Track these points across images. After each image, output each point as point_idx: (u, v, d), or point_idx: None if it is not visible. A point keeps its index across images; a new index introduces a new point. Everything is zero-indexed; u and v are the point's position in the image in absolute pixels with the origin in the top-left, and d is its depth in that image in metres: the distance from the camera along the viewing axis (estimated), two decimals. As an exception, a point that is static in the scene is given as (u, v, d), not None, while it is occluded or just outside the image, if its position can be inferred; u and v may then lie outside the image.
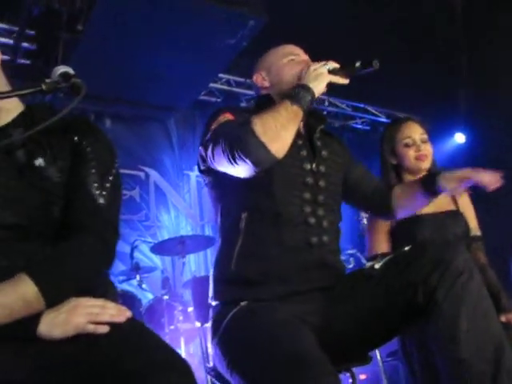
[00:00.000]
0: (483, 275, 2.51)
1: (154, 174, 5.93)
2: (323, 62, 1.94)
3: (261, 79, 2.16)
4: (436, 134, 7.51)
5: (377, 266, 1.82)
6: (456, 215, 2.70)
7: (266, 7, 4.52)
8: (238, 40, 4.63)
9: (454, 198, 2.77)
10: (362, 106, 7.32)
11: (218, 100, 6.30)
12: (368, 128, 7.56)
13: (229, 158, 1.76)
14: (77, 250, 1.46)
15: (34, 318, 1.32)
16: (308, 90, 1.85)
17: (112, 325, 1.34)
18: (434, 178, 2.04)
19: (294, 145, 1.87)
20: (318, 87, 1.88)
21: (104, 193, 1.53)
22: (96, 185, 1.53)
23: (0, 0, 4.60)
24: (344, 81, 1.95)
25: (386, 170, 2.80)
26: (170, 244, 4.55)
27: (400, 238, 2.61)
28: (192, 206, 6.02)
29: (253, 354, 1.65)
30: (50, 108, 1.63)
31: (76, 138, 1.58)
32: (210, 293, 1.96)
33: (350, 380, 2.10)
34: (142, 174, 5.81)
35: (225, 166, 1.84)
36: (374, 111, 7.37)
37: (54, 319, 1.33)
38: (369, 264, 1.91)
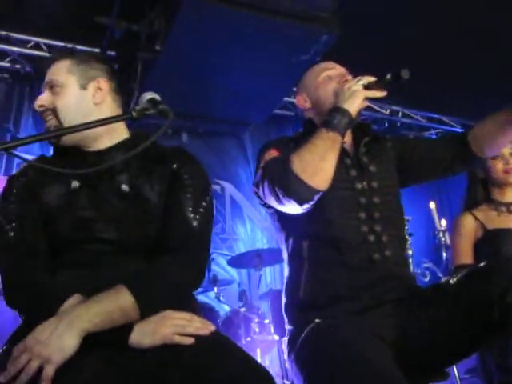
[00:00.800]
0: None
1: (229, 188, 6.03)
2: (357, 78, 1.96)
3: (302, 101, 2.18)
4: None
5: (452, 281, 1.82)
6: None
7: (339, 21, 4.54)
8: (311, 55, 4.66)
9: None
10: (436, 116, 7.21)
11: (292, 113, 6.36)
12: (442, 139, 7.43)
13: (275, 198, 1.84)
14: (171, 266, 1.59)
15: (127, 328, 1.44)
16: (343, 112, 1.87)
17: (197, 337, 1.43)
18: None
19: (342, 166, 1.92)
20: (354, 105, 1.90)
21: (198, 216, 1.67)
22: (191, 209, 1.67)
23: (83, 25, 4.81)
24: (381, 94, 1.94)
25: (473, 184, 2.81)
26: (246, 257, 4.65)
27: (484, 251, 2.60)
28: (267, 219, 6.07)
29: (328, 371, 1.66)
30: (148, 135, 1.72)
31: (175, 166, 1.74)
32: (285, 318, 2.01)
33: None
34: (218, 188, 5.91)
35: (274, 205, 1.90)
36: (448, 121, 7.25)
37: (143, 329, 1.45)
38: (445, 279, 1.91)
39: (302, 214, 1.91)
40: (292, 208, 1.86)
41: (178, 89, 4.90)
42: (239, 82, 5.10)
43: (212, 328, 1.49)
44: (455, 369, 2.94)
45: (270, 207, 2.05)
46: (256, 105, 5.55)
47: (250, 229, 6.03)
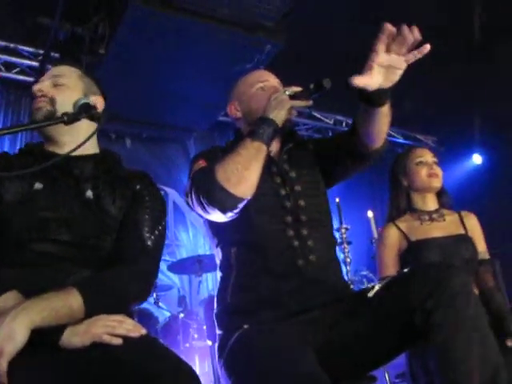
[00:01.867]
0: (491, 299, 2.55)
1: (173, 194, 6.03)
2: (284, 89, 2.01)
3: (234, 110, 2.19)
4: (453, 155, 7.55)
5: (377, 287, 1.85)
6: (464, 239, 2.71)
7: (283, 31, 4.60)
8: (255, 64, 4.71)
9: (463, 221, 2.80)
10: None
11: (237, 121, 6.38)
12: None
13: (201, 208, 1.87)
14: (122, 276, 1.65)
15: (60, 328, 1.45)
16: (269, 122, 1.91)
17: (126, 337, 1.46)
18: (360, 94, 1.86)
19: (268, 173, 1.96)
20: (279, 115, 1.93)
21: (152, 237, 1.75)
22: (147, 229, 1.75)
23: (27, 25, 4.76)
24: (306, 103, 1.99)
25: (397, 193, 2.85)
26: (187, 263, 4.64)
27: (408, 261, 2.63)
28: (208, 226, 6.08)
29: (254, 376, 1.69)
30: (115, 154, 1.95)
31: (138, 187, 1.82)
32: (215, 322, 2.03)
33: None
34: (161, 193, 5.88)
35: (202, 214, 1.94)
36: (391, 133, 7.40)
37: (75, 329, 1.46)
38: (370, 285, 1.95)
39: (230, 222, 1.94)
40: (216, 216, 1.89)
41: (122, 94, 4.88)
42: (184, 89, 5.12)
43: (143, 331, 1.50)
44: (386, 374, 3.00)
45: (201, 215, 2.07)
46: (200, 111, 5.58)
47: (192, 235, 6.03)
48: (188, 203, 2.04)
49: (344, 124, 7.08)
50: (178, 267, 4.73)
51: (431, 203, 2.83)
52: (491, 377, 1.56)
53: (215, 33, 4.38)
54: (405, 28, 1.69)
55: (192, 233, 6.03)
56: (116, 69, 4.69)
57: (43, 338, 1.42)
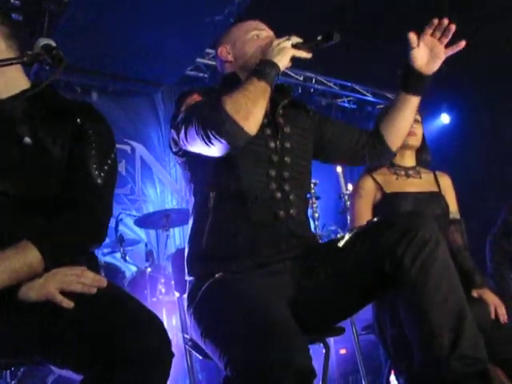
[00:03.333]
0: (459, 255, 2.61)
1: (140, 148, 5.95)
2: (286, 37, 1.96)
3: (225, 52, 2.15)
4: (422, 114, 7.56)
5: (347, 236, 1.86)
6: (437, 196, 2.77)
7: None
8: (225, 16, 4.63)
9: (437, 180, 2.84)
10: (349, 84, 7.33)
11: (205, 75, 6.30)
12: (355, 106, 7.61)
13: (203, 139, 1.79)
14: (75, 222, 1.57)
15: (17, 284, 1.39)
16: (273, 65, 1.87)
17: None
18: (406, 70, 2.10)
19: None
20: (282, 61, 1.90)
21: (102, 174, 1.65)
22: (95, 166, 1.64)
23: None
24: (307, 55, 1.96)
25: None
26: (154, 217, 4.60)
27: (382, 212, 2.65)
28: (177, 181, 6.04)
29: (225, 323, 1.69)
30: (48, 85, 1.67)
31: (79, 120, 1.68)
32: (186, 269, 2.01)
33: (324, 351, 2.16)
34: (128, 148, 5.82)
35: (199, 147, 1.86)
36: (360, 90, 7.40)
37: (32, 283, 1.41)
38: (340, 235, 1.96)
39: (213, 166, 1.92)
40: (218, 150, 1.82)
41: (87, 45, 4.77)
42: (151, 41, 4.99)
43: (103, 283, 1.44)
44: (353, 326, 3.03)
45: (183, 155, 2.03)
46: (168, 65, 5.47)
47: (159, 190, 5.98)
48: (174, 140, 2.00)
49: (313, 81, 7.04)
50: (145, 222, 4.69)
51: (409, 160, 2.85)
52: (458, 317, 1.61)
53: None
54: (445, 21, 1.99)
55: (160, 188, 5.99)
56: (81, 18, 4.54)
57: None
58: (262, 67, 1.87)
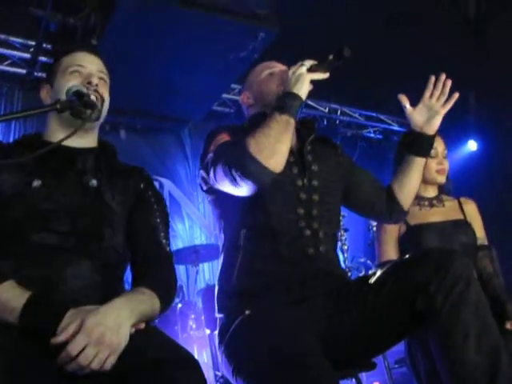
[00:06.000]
0: (489, 284, 2.57)
1: (168, 184, 6.00)
2: (300, 63, 1.97)
3: (246, 98, 2.24)
4: (449, 141, 7.51)
5: (378, 273, 1.86)
6: (463, 224, 2.74)
7: (278, 19, 4.57)
8: (249, 52, 4.68)
9: (462, 207, 2.82)
10: (374, 114, 7.35)
11: (231, 110, 6.37)
12: (380, 137, 7.60)
13: (230, 180, 1.82)
14: (161, 285, 1.69)
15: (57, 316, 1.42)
16: (294, 96, 1.90)
17: None
18: (409, 134, 2.16)
19: (285, 162, 1.89)
20: (303, 89, 1.92)
21: (168, 242, 1.83)
22: (163, 234, 1.80)
23: (18, 16, 4.72)
24: (324, 75, 1.97)
25: None
26: (183, 253, 4.64)
27: (407, 246, 2.64)
28: (206, 216, 6.07)
29: (256, 360, 1.68)
30: (112, 145, 1.95)
31: (142, 186, 1.85)
32: (216, 306, 2.02)
33: (356, 386, 2.15)
34: (156, 184, 5.84)
35: (228, 187, 1.89)
36: (386, 120, 7.40)
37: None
38: (372, 271, 1.95)
39: (243, 203, 1.94)
40: (246, 190, 1.85)
41: (115, 84, 4.82)
42: (178, 78, 5.08)
43: (142, 325, 1.51)
44: (385, 360, 3.00)
45: (212, 193, 2.06)
46: (195, 101, 5.54)
47: (188, 226, 6.01)
48: (204, 179, 2.03)
49: (339, 112, 7.07)
50: (175, 257, 4.67)
51: (432, 190, 2.85)
52: (493, 359, 1.57)
53: (209, 21, 4.33)
54: (442, 79, 2.06)
55: (188, 224, 6.01)
56: (109, 59, 4.61)
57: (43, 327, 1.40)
58: (283, 101, 1.90)
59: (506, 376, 1.57)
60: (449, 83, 2.06)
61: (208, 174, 1.96)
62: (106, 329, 1.35)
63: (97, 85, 1.80)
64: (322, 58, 1.97)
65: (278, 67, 2.21)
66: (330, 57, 1.95)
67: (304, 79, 1.93)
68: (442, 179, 2.80)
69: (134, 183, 1.85)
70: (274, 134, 1.82)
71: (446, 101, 2.09)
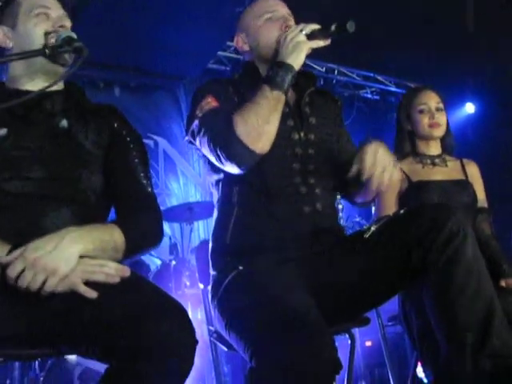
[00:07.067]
0: (487, 246, 2.57)
1: (163, 143, 5.95)
2: (300, 27, 1.84)
3: (241, 42, 2.09)
4: (446, 104, 7.45)
5: (373, 227, 1.84)
6: (464, 184, 2.74)
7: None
8: (245, 8, 4.59)
9: (464, 168, 2.81)
10: (371, 75, 7.29)
11: (227, 68, 6.28)
12: (377, 97, 7.55)
13: (216, 158, 1.79)
14: (141, 225, 1.66)
15: None
16: (287, 68, 1.78)
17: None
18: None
19: (281, 113, 1.82)
20: (298, 59, 1.81)
21: (149, 182, 1.78)
22: (142, 175, 1.75)
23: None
24: (325, 43, 1.85)
25: (402, 137, 2.85)
26: (178, 211, 4.60)
27: (407, 202, 2.63)
28: (201, 174, 6.04)
29: (248, 314, 1.68)
30: (81, 87, 1.88)
31: (116, 125, 1.79)
32: (210, 262, 2.00)
33: (350, 342, 2.15)
34: (151, 143, 5.81)
35: (213, 161, 1.86)
36: (383, 80, 7.34)
37: None
38: (366, 226, 1.94)
39: None
40: (231, 169, 1.81)
41: (108, 41, 4.77)
42: (172, 35, 4.99)
43: (126, 273, 1.45)
44: (379, 317, 3.01)
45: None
46: (190, 58, 5.46)
47: (183, 184, 5.98)
48: (192, 142, 1.97)
49: (336, 72, 7.00)
50: (169, 215, 4.68)
51: (434, 148, 2.83)
52: (487, 315, 1.58)
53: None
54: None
55: (183, 182, 5.98)
56: (102, 14, 4.56)
57: None
58: (275, 73, 1.78)
59: (499, 331, 1.57)
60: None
61: (194, 140, 1.92)
62: (43, 253, 1.35)
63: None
64: (323, 26, 1.83)
65: (279, 11, 2.03)
66: (332, 27, 1.80)
67: (302, 48, 1.81)
68: (437, 133, 2.77)
69: (107, 122, 1.79)
70: (263, 113, 1.75)
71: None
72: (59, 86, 1.78)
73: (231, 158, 1.75)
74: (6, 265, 1.36)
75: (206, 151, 1.86)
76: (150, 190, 1.76)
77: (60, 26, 1.72)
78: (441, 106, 2.78)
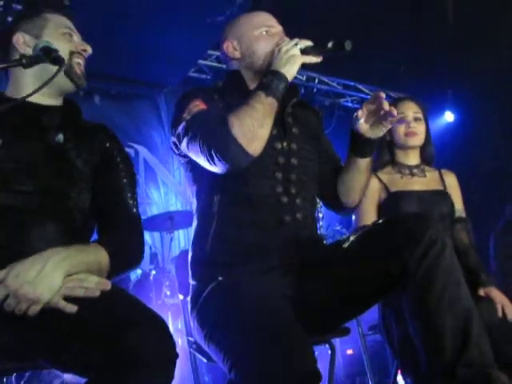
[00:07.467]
0: (465, 255, 2.59)
1: (143, 151, 5.93)
2: (294, 41, 1.88)
3: (231, 48, 2.06)
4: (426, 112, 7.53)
5: (352, 237, 1.84)
6: (442, 194, 2.74)
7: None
8: (226, 17, 4.61)
9: (442, 178, 2.82)
10: (352, 84, 7.30)
11: (208, 77, 6.29)
12: (358, 106, 7.52)
13: (207, 159, 1.76)
14: (123, 245, 1.66)
15: None
16: (281, 77, 1.80)
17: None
18: (352, 133, 2.03)
19: None
20: (291, 71, 1.83)
21: (135, 203, 1.78)
22: (129, 195, 1.76)
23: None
24: (317, 59, 1.88)
25: (380, 147, 2.84)
26: (158, 220, 4.59)
27: (386, 211, 2.63)
28: (181, 183, 6.03)
29: (227, 326, 1.67)
30: (78, 105, 1.90)
31: (108, 145, 1.80)
32: (189, 272, 1.99)
33: (330, 352, 2.15)
34: (131, 151, 5.79)
35: (201, 162, 1.83)
36: (363, 89, 7.36)
37: None
38: (346, 236, 1.94)
39: None
40: (221, 169, 1.79)
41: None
42: (153, 43, 4.97)
43: (107, 287, 1.44)
44: (359, 326, 3.02)
45: (185, 156, 1.97)
46: (170, 66, 5.47)
47: (163, 193, 5.97)
48: (176, 145, 1.95)
49: (316, 80, 7.02)
50: (150, 224, 4.66)
51: (413, 158, 2.83)
52: (465, 324, 1.59)
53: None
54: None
55: (163, 190, 5.97)
56: (82, 21, 4.51)
57: None
58: (270, 80, 1.80)
59: (477, 340, 1.58)
60: (387, 105, 1.89)
61: (180, 142, 1.89)
62: (23, 282, 1.34)
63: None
64: (319, 43, 1.87)
65: (276, 27, 2.06)
66: (329, 45, 1.85)
67: (295, 61, 1.84)
68: (413, 142, 2.77)
69: (99, 142, 1.80)
70: (259, 117, 1.75)
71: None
72: (58, 102, 1.80)
73: (226, 159, 1.73)
74: None
75: (194, 153, 1.83)
76: (135, 210, 1.76)
77: (83, 49, 1.81)
78: (419, 115, 2.79)
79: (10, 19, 4.98)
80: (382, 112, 1.90)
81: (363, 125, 1.97)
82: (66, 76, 1.75)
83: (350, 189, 2.11)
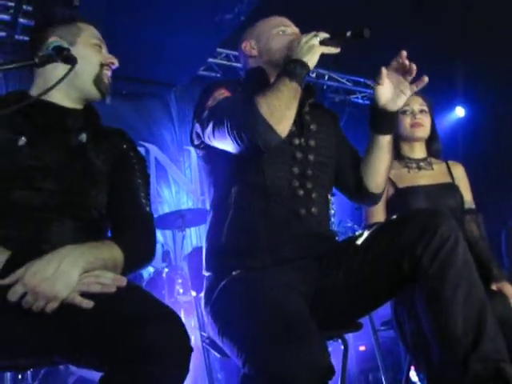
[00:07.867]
0: (476, 247, 2.57)
1: (154, 150, 5.95)
2: (313, 33, 1.91)
3: (249, 47, 2.12)
4: (436, 108, 7.48)
5: (365, 234, 1.85)
6: (451, 187, 2.73)
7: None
8: (235, 15, 4.62)
9: (450, 171, 2.81)
10: (362, 80, 7.31)
11: (218, 75, 6.30)
12: (368, 102, 7.55)
13: (235, 140, 1.77)
14: (136, 243, 1.69)
15: None
16: (303, 65, 1.83)
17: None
18: (372, 110, 2.05)
19: None
20: (312, 60, 1.86)
21: (148, 202, 1.82)
22: (143, 195, 1.81)
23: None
24: (336, 50, 1.91)
25: None
26: (170, 218, 4.59)
27: (395, 208, 2.63)
28: (193, 181, 6.05)
29: (242, 321, 1.68)
30: (96, 109, 1.94)
31: (125, 147, 1.85)
32: (203, 264, 2.01)
33: (343, 347, 2.15)
34: (142, 150, 5.78)
35: (227, 146, 1.84)
36: (371, 85, 7.35)
37: None
38: (358, 232, 1.95)
39: (236, 160, 1.90)
40: (250, 150, 1.80)
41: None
42: (162, 42, 5.01)
43: (123, 283, 1.46)
44: (372, 322, 3.01)
45: (204, 148, 2.01)
46: (180, 65, 5.49)
47: (175, 191, 5.98)
48: (198, 133, 1.98)
49: (326, 77, 7.02)
50: (161, 223, 4.67)
51: (419, 151, 2.83)
52: (478, 319, 1.59)
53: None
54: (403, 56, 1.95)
55: (175, 189, 5.98)
56: (92, 21, 4.55)
57: None
58: (293, 67, 1.83)
59: (491, 335, 1.58)
60: (414, 68, 1.95)
61: (204, 129, 1.91)
62: (41, 279, 1.36)
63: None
64: (338, 33, 1.91)
65: (291, 28, 2.13)
66: (348, 34, 1.88)
67: (316, 52, 1.87)
68: (419, 133, 2.77)
69: (116, 144, 1.85)
70: (285, 98, 1.78)
71: (415, 81, 1.99)
72: (79, 106, 1.85)
73: (256, 137, 1.74)
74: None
75: (220, 137, 1.84)
76: (148, 209, 1.79)
77: (111, 62, 1.87)
78: (424, 108, 2.78)
79: (20, 20, 5.03)
80: (403, 67, 1.95)
81: (383, 97, 2.00)
82: (95, 85, 1.82)
83: (375, 171, 2.11)
